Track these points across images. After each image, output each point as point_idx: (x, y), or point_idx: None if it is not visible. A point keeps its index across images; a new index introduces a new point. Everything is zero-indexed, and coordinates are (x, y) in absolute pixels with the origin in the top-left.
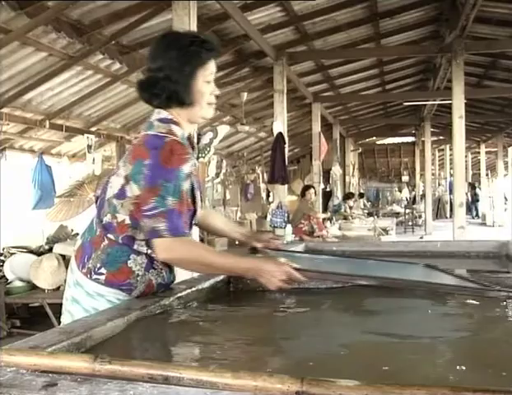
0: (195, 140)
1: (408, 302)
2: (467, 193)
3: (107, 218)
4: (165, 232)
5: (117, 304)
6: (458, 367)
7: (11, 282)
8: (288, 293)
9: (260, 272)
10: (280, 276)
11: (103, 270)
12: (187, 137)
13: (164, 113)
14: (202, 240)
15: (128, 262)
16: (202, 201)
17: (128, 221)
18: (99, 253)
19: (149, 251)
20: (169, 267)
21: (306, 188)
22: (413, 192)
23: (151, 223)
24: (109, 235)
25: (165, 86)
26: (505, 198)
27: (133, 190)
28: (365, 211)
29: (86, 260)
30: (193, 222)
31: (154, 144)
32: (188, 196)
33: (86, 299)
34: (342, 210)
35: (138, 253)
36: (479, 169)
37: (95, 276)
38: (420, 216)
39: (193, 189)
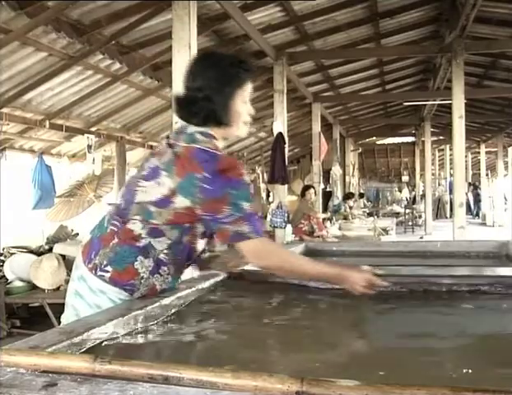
0: None
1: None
2: (467, 193)
3: (134, 219)
4: (250, 234)
5: (118, 303)
6: None
7: (11, 282)
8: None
9: (345, 279)
10: (362, 283)
11: (109, 268)
12: None
13: (204, 128)
14: None
15: (135, 263)
16: None
17: (159, 226)
18: (107, 251)
19: (163, 257)
20: (176, 275)
21: (306, 188)
22: (413, 192)
23: (233, 228)
24: (130, 235)
25: (205, 106)
26: (505, 198)
27: (182, 203)
28: (365, 211)
29: (93, 256)
30: None
31: (205, 158)
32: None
33: (89, 294)
34: (342, 210)
35: (147, 255)
36: (479, 169)
37: (100, 273)
38: (420, 216)
39: None
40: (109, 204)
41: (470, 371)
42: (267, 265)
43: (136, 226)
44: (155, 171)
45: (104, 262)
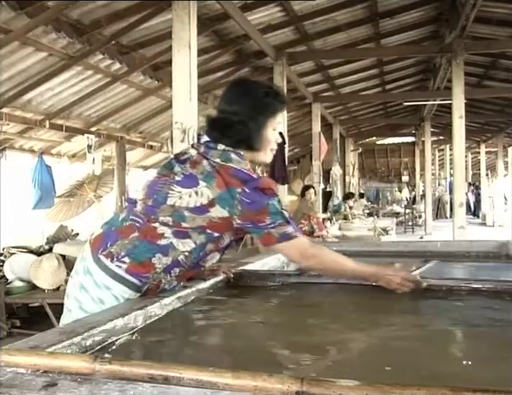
0: (194, 140)
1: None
2: (467, 193)
3: (166, 220)
4: (295, 233)
5: (121, 301)
6: None
7: (11, 282)
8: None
9: (382, 278)
10: (399, 280)
11: (126, 259)
12: None
13: (235, 149)
14: None
15: (153, 259)
16: None
17: (188, 230)
18: (126, 242)
19: (181, 259)
20: (181, 280)
21: (306, 188)
22: (413, 192)
23: (278, 231)
24: (153, 232)
25: (240, 130)
26: (505, 198)
27: (220, 213)
28: (365, 211)
29: (110, 245)
30: None
31: (245, 177)
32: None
33: (94, 288)
34: (342, 210)
35: (166, 254)
36: (479, 169)
37: (116, 263)
38: (420, 216)
39: None
40: (130, 200)
41: None
42: (310, 263)
43: (162, 226)
44: (191, 180)
45: (122, 253)
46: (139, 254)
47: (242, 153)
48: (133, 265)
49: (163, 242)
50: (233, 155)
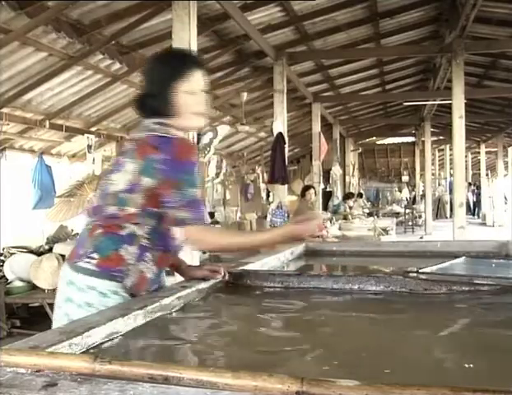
0: (194, 140)
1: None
2: (468, 193)
3: (112, 209)
4: (191, 221)
5: (109, 296)
6: None
7: (11, 282)
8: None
9: (294, 232)
10: (312, 228)
11: (95, 255)
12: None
13: (159, 119)
14: None
15: (120, 250)
16: None
17: (135, 212)
18: (92, 240)
19: (145, 243)
20: (161, 265)
21: (306, 188)
22: (413, 192)
23: (177, 213)
24: (107, 224)
25: (148, 102)
26: (505, 198)
27: (147, 184)
28: (365, 211)
29: (80, 250)
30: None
31: (161, 141)
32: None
33: (78, 294)
34: (342, 210)
35: (131, 243)
36: (479, 169)
37: (86, 260)
38: (420, 216)
39: None
40: (87, 208)
41: None
42: (207, 249)
43: (115, 216)
44: (120, 164)
45: (90, 250)
46: (105, 249)
47: (167, 122)
48: (102, 260)
49: (125, 231)
50: (154, 126)
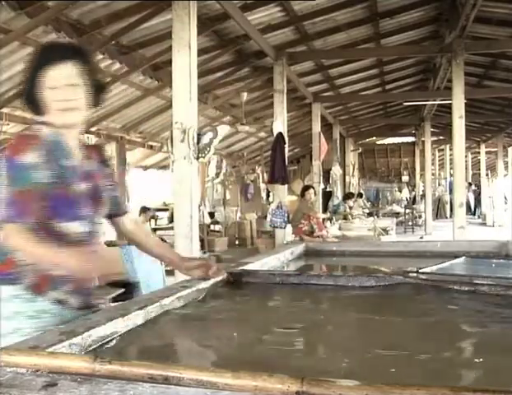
0: (194, 140)
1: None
2: (468, 193)
3: None
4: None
5: (28, 299)
6: None
7: None
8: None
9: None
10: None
11: None
12: (74, 140)
13: (38, 117)
14: (202, 241)
15: (13, 252)
16: (96, 198)
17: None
18: None
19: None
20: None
21: (306, 188)
22: (413, 192)
23: None
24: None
25: (21, 95)
26: (505, 198)
27: None
28: (365, 211)
29: None
30: (78, 211)
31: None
32: (37, 185)
33: (3, 305)
34: (342, 210)
35: None
36: (479, 169)
37: None
38: (420, 216)
39: (63, 178)
40: None
41: None
42: (9, 244)
43: None
44: None
45: None
46: (0, 255)
47: (41, 119)
48: None
49: None
50: (34, 125)
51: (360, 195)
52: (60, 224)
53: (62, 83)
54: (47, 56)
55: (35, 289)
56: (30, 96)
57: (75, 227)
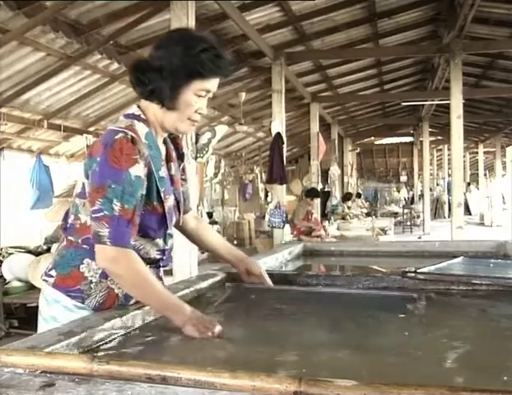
0: (193, 140)
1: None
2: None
3: (70, 220)
4: (106, 239)
5: (74, 311)
6: None
7: (9, 282)
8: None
9: (180, 312)
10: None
11: (53, 272)
12: (161, 140)
13: (134, 109)
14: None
15: (81, 266)
16: (179, 206)
17: (89, 222)
18: (55, 255)
19: None
20: None
21: (315, 195)
22: (411, 192)
23: (96, 227)
24: (69, 237)
25: (154, 78)
26: (503, 198)
27: (88, 188)
28: (364, 211)
29: (49, 262)
30: (167, 227)
31: (107, 139)
32: (141, 202)
33: (45, 307)
34: (340, 210)
35: (94, 257)
36: (477, 169)
37: (44, 278)
38: (418, 216)
39: (158, 192)
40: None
41: None
42: (115, 271)
43: (73, 227)
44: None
45: (50, 267)
46: (65, 264)
47: (138, 113)
48: (60, 278)
49: (88, 245)
50: (121, 117)
51: (358, 195)
52: (146, 243)
53: (208, 96)
54: (215, 59)
55: (101, 308)
56: (167, 82)
57: (159, 244)
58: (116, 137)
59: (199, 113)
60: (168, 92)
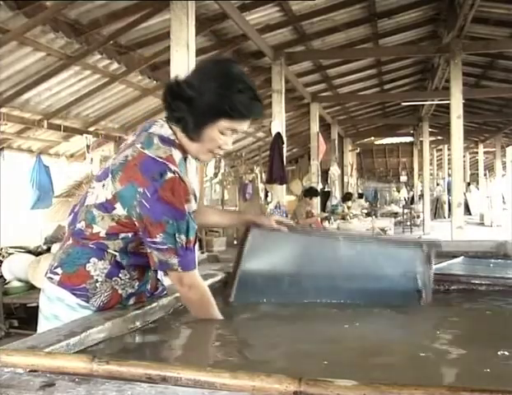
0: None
1: None
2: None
3: (80, 225)
4: (178, 267)
5: (77, 310)
6: None
7: (9, 282)
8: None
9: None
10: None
11: (59, 270)
12: (184, 156)
13: (167, 131)
14: (200, 241)
15: (87, 265)
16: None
17: (103, 234)
18: (60, 253)
19: (119, 258)
20: (144, 279)
21: (314, 194)
22: (411, 192)
23: (161, 256)
24: (77, 239)
25: (182, 108)
26: (503, 198)
27: (120, 212)
28: (364, 211)
29: (53, 259)
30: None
31: (152, 172)
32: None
33: (47, 304)
34: (340, 210)
35: (101, 257)
36: (477, 169)
37: (49, 275)
38: (418, 216)
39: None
40: (72, 208)
41: None
42: (187, 296)
43: (82, 233)
44: (105, 172)
45: (55, 264)
46: (72, 263)
47: (172, 138)
48: (66, 276)
49: (95, 245)
50: (155, 140)
51: (360, 195)
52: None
53: (233, 135)
54: (249, 110)
55: (105, 307)
56: (196, 113)
57: None
58: (166, 178)
59: (223, 149)
60: (193, 126)
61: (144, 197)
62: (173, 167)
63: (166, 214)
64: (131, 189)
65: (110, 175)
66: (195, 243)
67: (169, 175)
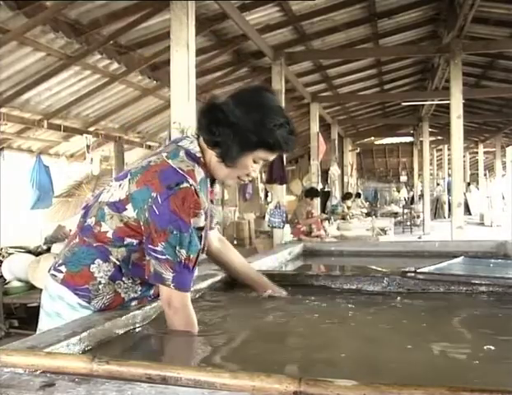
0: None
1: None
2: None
3: (90, 221)
4: (170, 283)
5: (77, 309)
6: None
7: (9, 282)
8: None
9: None
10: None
11: (63, 268)
12: (206, 176)
13: (195, 147)
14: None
15: (92, 266)
16: (210, 226)
17: (110, 235)
18: (65, 250)
19: (119, 263)
20: (147, 284)
21: (315, 194)
22: (411, 192)
23: (158, 267)
24: (82, 236)
25: (224, 133)
26: (503, 198)
27: (130, 213)
28: (364, 211)
29: (57, 256)
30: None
31: (169, 181)
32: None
33: (49, 302)
34: (340, 210)
35: (106, 259)
36: (477, 169)
37: (52, 272)
38: (418, 216)
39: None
40: (84, 204)
41: None
42: (174, 317)
43: (90, 230)
44: (125, 173)
45: (60, 262)
46: (76, 261)
47: (199, 155)
48: (70, 275)
49: (101, 245)
50: (182, 153)
51: (358, 195)
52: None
53: (264, 162)
54: (284, 143)
55: (104, 310)
56: (239, 147)
57: None
58: (181, 186)
59: (250, 176)
60: (230, 153)
61: (155, 202)
62: (191, 181)
63: (172, 223)
64: (145, 192)
65: (129, 176)
66: (195, 264)
67: (185, 185)
